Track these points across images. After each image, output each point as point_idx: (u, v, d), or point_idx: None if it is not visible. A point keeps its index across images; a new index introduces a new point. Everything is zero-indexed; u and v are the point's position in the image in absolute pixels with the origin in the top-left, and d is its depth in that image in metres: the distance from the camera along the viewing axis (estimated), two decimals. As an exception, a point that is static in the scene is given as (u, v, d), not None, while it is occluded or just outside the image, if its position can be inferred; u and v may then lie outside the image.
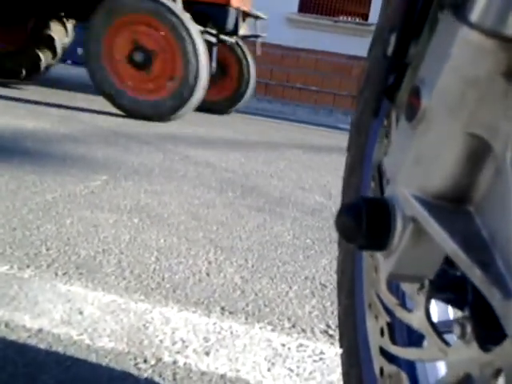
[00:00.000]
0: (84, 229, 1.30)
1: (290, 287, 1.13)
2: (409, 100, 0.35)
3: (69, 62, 6.66)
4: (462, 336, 0.33)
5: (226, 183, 2.03)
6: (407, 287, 0.41)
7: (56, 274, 1.01)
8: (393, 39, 0.40)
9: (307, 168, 2.65)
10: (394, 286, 0.49)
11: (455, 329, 0.34)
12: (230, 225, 1.50)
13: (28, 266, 1.03)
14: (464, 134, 0.32)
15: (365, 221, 0.36)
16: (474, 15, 0.30)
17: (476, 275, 0.29)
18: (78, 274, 1.03)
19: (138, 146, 2.53)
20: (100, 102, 3.86)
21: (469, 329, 0.33)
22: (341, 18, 7.64)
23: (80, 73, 5.92)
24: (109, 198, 1.60)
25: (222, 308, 0.97)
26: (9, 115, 2.83)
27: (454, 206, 0.34)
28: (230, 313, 0.96)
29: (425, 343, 0.40)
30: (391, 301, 0.45)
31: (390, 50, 0.40)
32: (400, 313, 0.43)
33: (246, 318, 0.95)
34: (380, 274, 0.42)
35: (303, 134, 4.31)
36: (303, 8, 7.34)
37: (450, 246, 0.31)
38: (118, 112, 3.51)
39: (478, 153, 0.32)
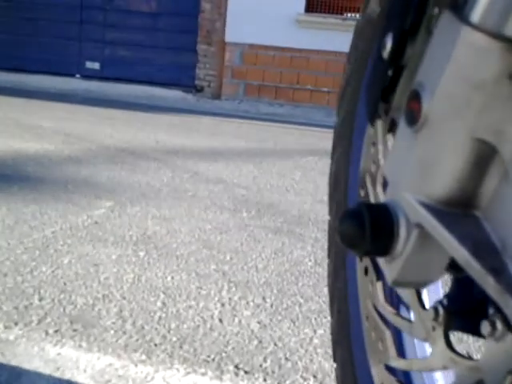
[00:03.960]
0: (83, 269, 1.18)
1: (315, 331, 0.98)
2: (408, 104, 0.34)
3: (77, 75, 6.61)
4: (492, 333, 0.31)
5: (239, 202, 1.90)
6: (421, 317, 0.39)
7: (46, 333, 0.89)
8: (389, 41, 0.38)
9: (324, 176, 2.50)
10: (389, 296, 0.48)
11: (483, 328, 0.32)
12: (245, 252, 1.37)
13: (16, 324, 0.91)
14: (469, 139, 0.31)
15: (368, 227, 0.35)
16: (478, 16, 0.29)
17: (489, 283, 0.29)
18: (71, 330, 0.91)
19: (145, 163, 2.42)
20: (107, 118, 3.77)
21: (499, 325, 0.31)
22: (349, 15, 7.46)
23: (89, 87, 5.88)
24: (113, 228, 1.48)
25: (236, 366, 0.84)
26: (9, 137, 2.75)
27: (461, 211, 0.33)
28: (246, 372, 0.82)
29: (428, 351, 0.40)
30: (389, 311, 0.44)
31: (385, 52, 0.39)
32: (400, 324, 0.42)
33: (265, 379, 0.81)
34: (377, 286, 0.43)
35: (317, 138, 4.16)
36: (310, 7, 7.19)
37: (460, 253, 0.30)
38: (126, 127, 3.41)
39: (484, 157, 0.31)
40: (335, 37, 6.73)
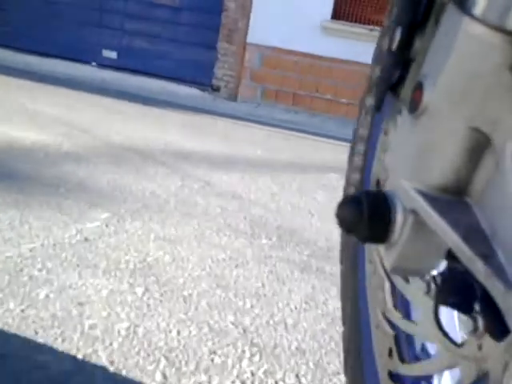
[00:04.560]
0: (63, 310, 0.91)
1: None
2: (412, 95, 0.35)
3: (94, 63, 6.38)
4: (474, 330, 0.33)
5: (257, 224, 1.62)
6: (412, 294, 0.41)
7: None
8: (398, 34, 0.39)
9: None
10: (399, 304, 0.48)
11: (466, 325, 0.33)
12: (268, 298, 1.10)
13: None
14: (466, 128, 0.32)
15: (366, 212, 0.36)
16: (479, 8, 0.30)
17: (478, 268, 0.29)
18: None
19: (152, 167, 2.15)
20: (117, 111, 3.51)
21: (481, 322, 0.32)
22: (376, 27, 7.22)
23: (103, 76, 5.63)
24: (106, 249, 1.21)
25: None
26: (9, 124, 2.49)
27: (453, 198, 0.33)
28: None
29: (433, 354, 0.42)
30: (396, 316, 0.46)
31: (394, 44, 0.39)
32: (406, 326, 0.44)
33: None
34: (385, 289, 0.47)
35: (335, 151, 3.89)
36: (337, 15, 6.95)
37: (451, 238, 0.31)
38: (135, 123, 3.15)
39: (479, 146, 0.32)
40: (360, 47, 6.47)
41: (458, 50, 0.31)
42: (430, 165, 0.33)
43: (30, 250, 1.12)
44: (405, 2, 0.39)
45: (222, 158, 2.69)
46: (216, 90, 6.13)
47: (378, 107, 0.44)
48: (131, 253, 1.21)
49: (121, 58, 6.38)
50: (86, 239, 1.23)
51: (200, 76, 6.15)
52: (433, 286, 0.38)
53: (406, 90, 0.39)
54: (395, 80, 0.40)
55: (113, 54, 6.45)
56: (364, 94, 0.58)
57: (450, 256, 0.34)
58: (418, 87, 0.34)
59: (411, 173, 0.35)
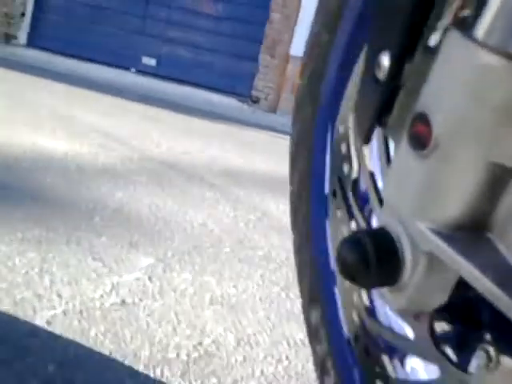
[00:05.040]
0: None
1: None
2: (413, 128, 0.32)
3: (133, 70, 6.22)
4: (488, 363, 0.31)
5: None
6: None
7: None
8: (385, 60, 0.35)
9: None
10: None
11: (479, 357, 0.32)
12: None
13: None
14: (484, 163, 0.30)
15: (373, 259, 0.33)
16: (490, 35, 0.28)
17: None
18: None
19: (199, 188, 1.83)
20: (155, 120, 3.24)
21: (493, 353, 0.31)
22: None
23: (142, 83, 5.43)
24: (149, 321, 0.88)
25: None
26: (40, 131, 2.23)
27: (473, 234, 0.31)
28: None
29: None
30: (376, 328, 0.44)
31: (382, 73, 0.35)
32: (388, 336, 0.43)
33: None
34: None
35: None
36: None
37: (482, 284, 0.29)
38: (175, 134, 2.86)
39: (499, 179, 0.30)
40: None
41: (469, 80, 0.28)
42: (445, 202, 0.31)
43: (48, 322, 0.80)
44: (392, 21, 0.34)
45: (274, 179, 2.36)
46: (255, 101, 5.87)
47: (367, 140, 0.40)
48: (182, 329, 0.87)
49: (160, 65, 6.23)
50: (123, 302, 0.90)
51: (239, 87, 5.93)
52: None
53: (397, 121, 0.35)
54: (382, 109, 0.36)
55: (152, 62, 6.31)
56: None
57: (457, 287, 0.33)
58: (420, 120, 0.31)
59: (424, 212, 0.32)
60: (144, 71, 6.24)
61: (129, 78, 5.87)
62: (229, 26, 6.16)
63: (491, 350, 0.31)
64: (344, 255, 0.34)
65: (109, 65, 6.13)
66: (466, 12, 0.30)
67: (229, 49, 6.14)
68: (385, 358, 0.45)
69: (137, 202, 1.51)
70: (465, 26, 0.29)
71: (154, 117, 3.32)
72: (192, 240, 1.31)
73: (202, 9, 6.24)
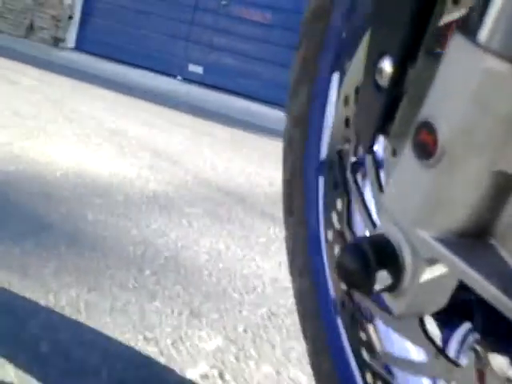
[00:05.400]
0: None
1: None
2: (418, 136, 0.31)
3: (179, 77, 6.08)
4: (478, 362, 0.32)
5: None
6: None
7: None
8: (387, 66, 0.34)
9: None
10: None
11: (468, 356, 0.33)
12: None
13: None
14: (490, 171, 0.30)
15: (374, 266, 0.33)
16: (499, 42, 0.27)
17: None
18: None
19: (261, 224, 1.55)
20: (205, 133, 3.00)
21: (482, 352, 0.32)
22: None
23: (188, 91, 5.24)
24: None
25: None
26: (84, 146, 2.01)
27: (476, 241, 0.31)
28: None
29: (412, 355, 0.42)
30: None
31: (384, 79, 0.34)
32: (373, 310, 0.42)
33: None
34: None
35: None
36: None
37: (487, 291, 0.29)
38: (228, 152, 2.61)
39: (504, 187, 0.30)
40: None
41: (476, 88, 0.28)
42: (447, 211, 0.31)
43: None
44: (393, 25, 0.33)
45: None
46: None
47: (371, 149, 0.40)
48: None
49: (206, 73, 6.06)
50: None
51: (285, 98, 5.68)
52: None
53: (400, 129, 0.34)
54: (385, 116, 0.35)
55: (199, 69, 6.15)
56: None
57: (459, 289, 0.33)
58: (425, 129, 0.30)
59: (422, 219, 0.32)
60: (190, 79, 6.09)
61: (175, 85, 5.72)
62: (278, 34, 5.94)
63: (480, 348, 0.31)
64: (345, 262, 0.35)
65: (155, 71, 6.03)
66: (470, 16, 0.29)
67: (276, 58, 5.92)
68: (370, 328, 0.45)
69: (193, 246, 1.24)
70: (469, 30, 0.28)
71: (204, 130, 3.09)
72: (265, 304, 1.02)
73: (250, 16, 6.05)
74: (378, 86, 0.34)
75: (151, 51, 6.17)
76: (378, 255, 0.33)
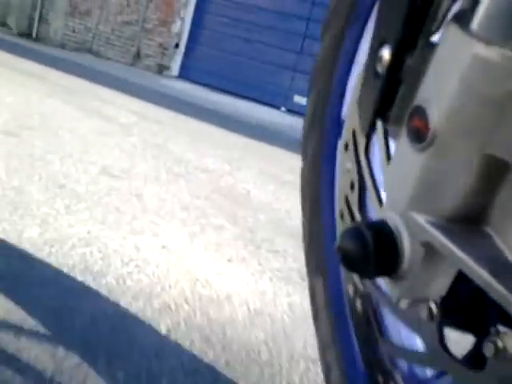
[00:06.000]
0: None
1: None
2: (411, 121, 0.33)
3: (283, 109, 5.59)
4: (496, 354, 0.31)
5: None
6: (411, 320, 0.38)
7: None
8: (386, 54, 0.36)
9: None
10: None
11: (487, 349, 0.31)
12: None
13: None
14: (481, 155, 0.30)
15: (372, 249, 0.35)
16: (487, 29, 0.29)
17: None
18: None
19: None
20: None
21: (501, 344, 0.31)
22: None
23: (292, 124, 4.66)
24: None
25: None
26: (158, 229, 1.44)
27: (470, 228, 0.32)
28: None
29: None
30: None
31: (382, 66, 0.36)
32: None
33: None
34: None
35: None
36: None
37: (479, 275, 0.29)
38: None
39: (496, 172, 0.31)
40: None
41: (466, 74, 0.29)
42: (442, 194, 0.32)
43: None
44: (394, 15, 0.35)
45: None
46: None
47: (368, 134, 0.41)
48: None
49: (312, 104, 5.49)
50: None
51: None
52: (434, 308, 0.35)
53: (397, 115, 0.36)
54: (383, 102, 0.37)
55: (304, 101, 5.61)
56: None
57: (459, 279, 0.33)
58: (418, 113, 0.32)
59: (419, 203, 0.33)
60: (295, 111, 5.55)
61: (279, 117, 5.21)
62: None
63: (498, 340, 0.30)
64: (345, 246, 0.35)
65: (259, 102, 5.59)
66: (464, 6, 0.30)
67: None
68: (371, 315, 0.46)
69: None
70: (463, 19, 0.29)
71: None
72: None
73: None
74: (376, 73, 0.36)
75: (256, 81, 5.78)
76: (377, 238, 0.34)
